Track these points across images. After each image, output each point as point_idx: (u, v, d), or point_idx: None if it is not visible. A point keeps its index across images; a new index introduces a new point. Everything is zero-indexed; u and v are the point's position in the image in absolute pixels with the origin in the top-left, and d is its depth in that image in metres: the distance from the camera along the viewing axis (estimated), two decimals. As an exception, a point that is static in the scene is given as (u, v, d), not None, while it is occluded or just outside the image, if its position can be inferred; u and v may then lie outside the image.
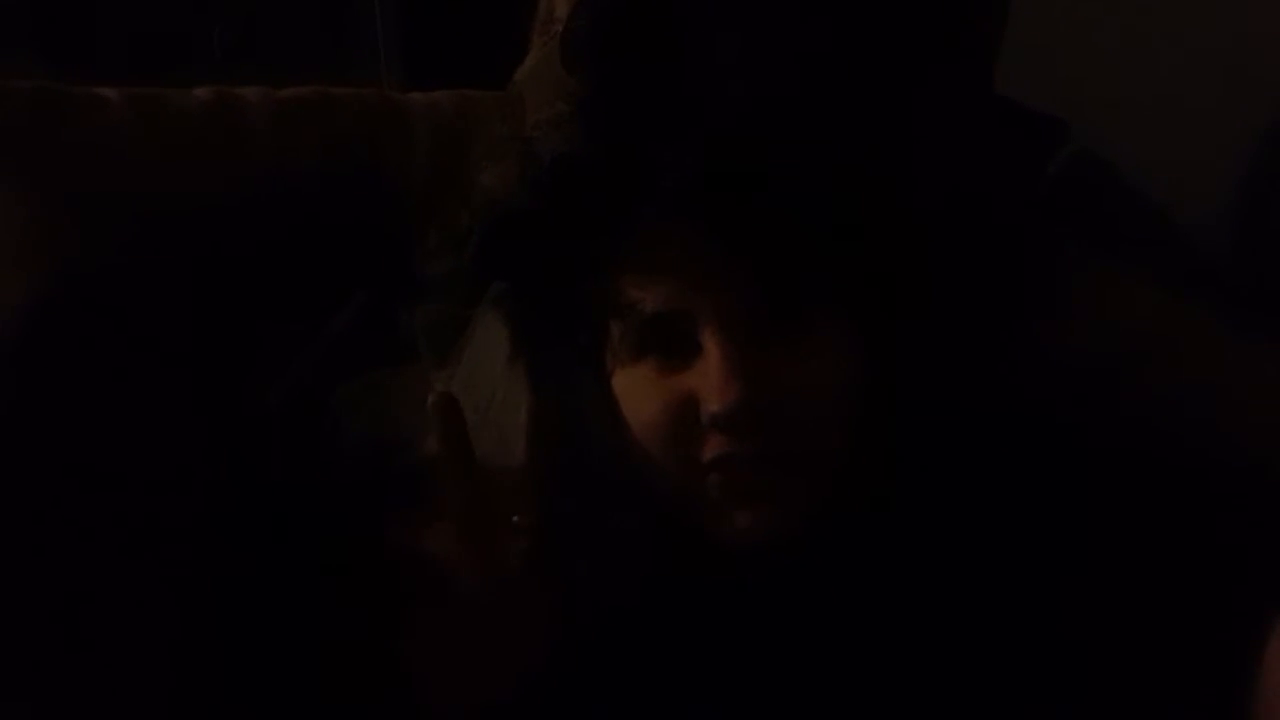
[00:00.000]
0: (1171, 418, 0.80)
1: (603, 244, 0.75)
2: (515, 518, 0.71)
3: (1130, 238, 0.95)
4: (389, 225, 0.92)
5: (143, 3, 1.84)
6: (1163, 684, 0.73)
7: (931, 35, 0.86)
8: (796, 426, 0.72)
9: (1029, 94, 0.93)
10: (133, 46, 1.74)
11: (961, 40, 0.89)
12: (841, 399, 0.74)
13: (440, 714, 0.71)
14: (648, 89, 0.77)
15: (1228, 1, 1.06)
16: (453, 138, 1.02)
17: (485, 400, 0.76)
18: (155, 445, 0.83)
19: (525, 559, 0.71)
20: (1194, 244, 1.01)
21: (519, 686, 0.71)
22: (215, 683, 0.78)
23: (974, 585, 0.74)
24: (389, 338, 0.81)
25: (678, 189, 0.71)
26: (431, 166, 1.01)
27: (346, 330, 0.84)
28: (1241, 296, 0.92)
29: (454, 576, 0.69)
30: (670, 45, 0.79)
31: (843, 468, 0.75)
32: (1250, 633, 0.70)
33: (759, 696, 0.74)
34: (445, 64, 1.17)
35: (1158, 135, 1.08)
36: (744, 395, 0.70)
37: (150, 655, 0.79)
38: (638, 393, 0.75)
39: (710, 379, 0.71)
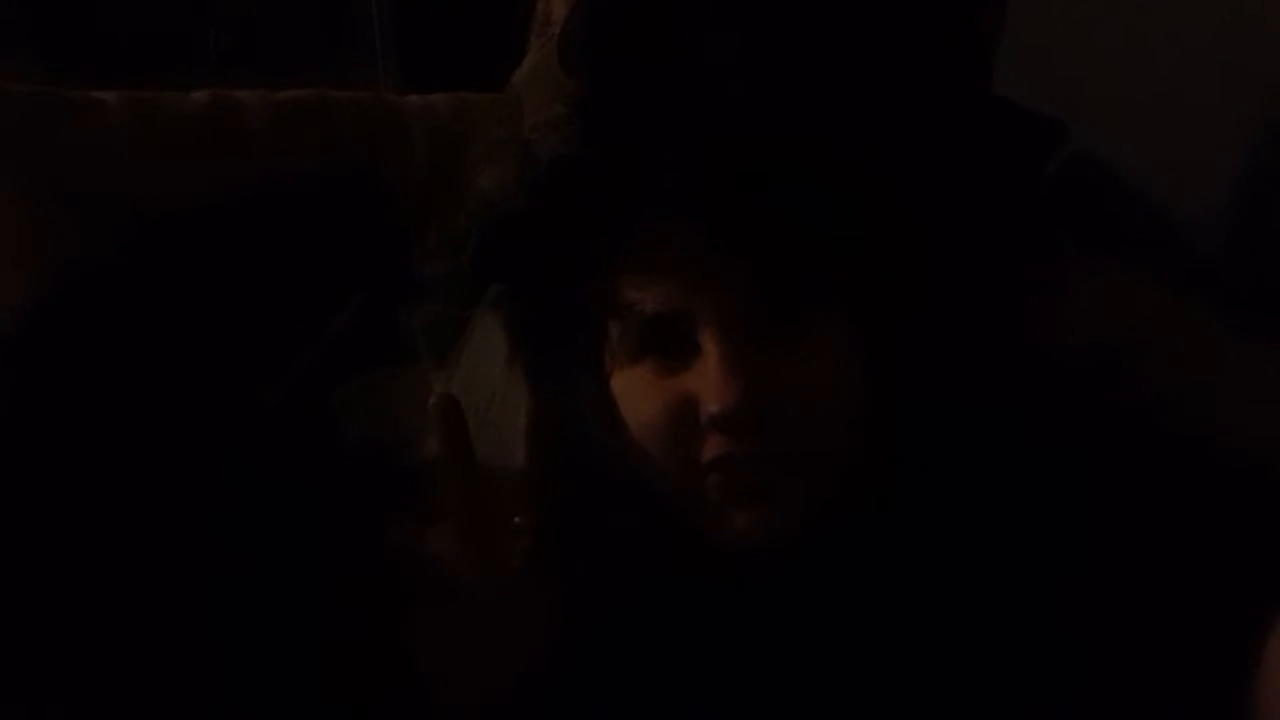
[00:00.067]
0: (1171, 417, 0.80)
1: (601, 245, 0.74)
2: (516, 520, 0.71)
3: (1129, 238, 0.95)
4: (387, 227, 0.92)
5: (140, 5, 1.85)
6: (1163, 684, 0.73)
7: (931, 35, 0.86)
8: (796, 427, 0.72)
9: (1027, 94, 0.93)
10: (130, 49, 1.75)
11: (960, 40, 0.89)
12: (841, 399, 0.74)
13: (441, 714, 0.71)
14: (646, 90, 0.77)
15: (1228, 1, 1.06)
16: (450, 140, 1.02)
17: (484, 401, 0.76)
18: (155, 445, 0.83)
19: (525, 560, 0.71)
20: (1192, 244, 1.01)
21: (519, 687, 0.71)
22: (215, 683, 0.78)
23: (974, 585, 0.74)
24: (388, 339, 0.81)
25: (677, 189, 0.71)
26: (429, 169, 1.01)
27: (346, 331, 0.84)
28: (1240, 296, 0.92)
29: (455, 577, 0.69)
30: (668, 46, 0.80)
31: (843, 468, 0.75)
32: (1250, 633, 0.70)
33: (759, 697, 0.74)
34: (442, 66, 1.17)
35: (1157, 135, 1.08)
36: (743, 395, 0.70)
37: (150, 655, 0.79)
38: (637, 393, 0.75)
39: (709, 379, 0.71)
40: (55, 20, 1.75)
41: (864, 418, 0.75)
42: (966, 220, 0.78)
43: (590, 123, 0.78)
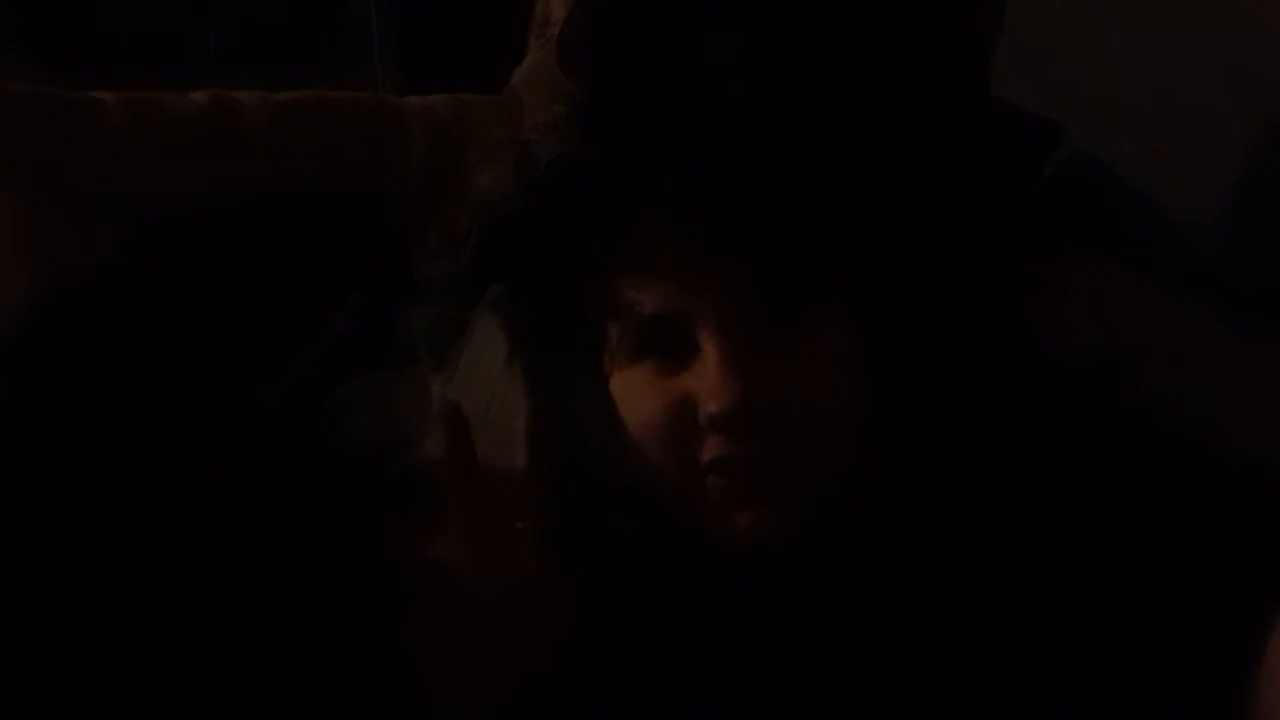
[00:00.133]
0: (1171, 418, 0.81)
1: (601, 245, 0.74)
2: (519, 524, 0.71)
3: (1128, 238, 0.95)
4: (386, 228, 0.92)
5: (140, 5, 1.85)
6: (1163, 684, 0.73)
7: (930, 35, 0.86)
8: (796, 427, 0.72)
9: (1026, 94, 0.94)
10: (129, 49, 1.75)
11: (959, 40, 0.90)
12: (841, 399, 0.74)
13: (442, 715, 0.71)
14: (645, 90, 0.77)
15: (1228, 1, 1.06)
16: (449, 141, 1.02)
17: (484, 402, 0.76)
18: (155, 445, 0.83)
19: (527, 561, 0.71)
20: (1192, 244, 1.01)
21: (520, 688, 0.71)
22: (216, 684, 0.78)
23: (974, 585, 0.74)
24: (387, 340, 0.81)
25: (677, 190, 0.71)
26: (428, 170, 1.01)
27: (345, 332, 0.84)
28: (1240, 296, 0.92)
29: (456, 578, 0.69)
30: (668, 46, 0.80)
31: (842, 469, 0.75)
32: (1250, 633, 0.70)
33: (759, 698, 0.74)
34: (441, 67, 1.17)
35: (1156, 135, 1.08)
36: (742, 396, 0.70)
37: (150, 656, 0.79)
38: (636, 394, 0.75)
39: (708, 380, 0.71)
40: (54, 20, 1.75)
41: (864, 418, 0.75)
42: (966, 220, 0.78)
43: (589, 123, 0.78)
